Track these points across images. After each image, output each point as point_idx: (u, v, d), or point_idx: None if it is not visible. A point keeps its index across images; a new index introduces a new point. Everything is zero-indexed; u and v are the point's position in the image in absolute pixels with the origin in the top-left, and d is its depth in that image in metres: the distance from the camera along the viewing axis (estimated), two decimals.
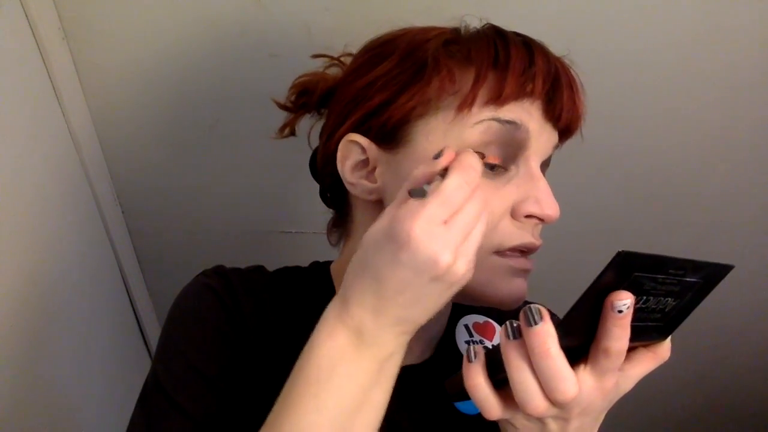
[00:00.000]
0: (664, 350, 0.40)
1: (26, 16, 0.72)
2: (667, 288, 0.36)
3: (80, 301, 0.86)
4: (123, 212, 0.95)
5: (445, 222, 0.37)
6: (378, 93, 0.48)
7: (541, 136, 0.47)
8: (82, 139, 0.83)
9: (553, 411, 0.37)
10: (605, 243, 1.01)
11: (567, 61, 0.50)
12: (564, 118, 0.48)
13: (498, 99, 0.45)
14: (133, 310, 1.01)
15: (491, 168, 0.46)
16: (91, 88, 0.81)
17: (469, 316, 0.58)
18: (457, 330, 0.57)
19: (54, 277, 0.80)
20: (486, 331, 0.59)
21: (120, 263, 0.96)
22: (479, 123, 0.45)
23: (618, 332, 0.35)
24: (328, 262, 0.60)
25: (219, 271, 0.55)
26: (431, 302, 0.39)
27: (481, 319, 0.59)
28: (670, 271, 0.35)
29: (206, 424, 0.46)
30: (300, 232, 0.98)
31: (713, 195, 0.96)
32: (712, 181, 0.94)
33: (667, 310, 0.38)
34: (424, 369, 0.55)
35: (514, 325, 0.37)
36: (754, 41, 0.78)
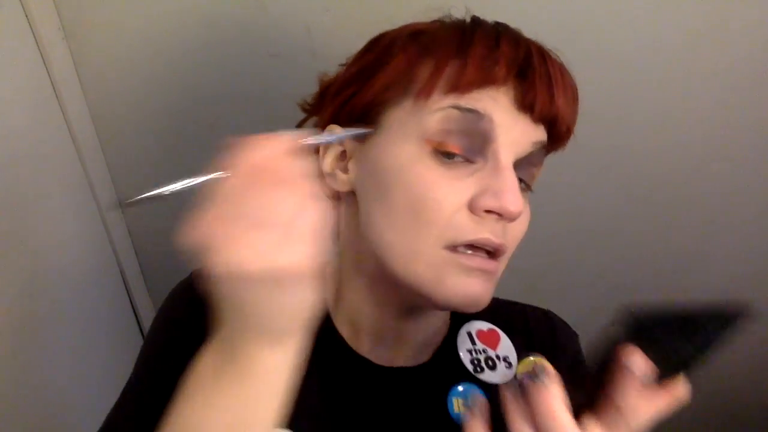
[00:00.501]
0: (680, 390, 0.38)
1: (26, 16, 0.72)
2: (687, 338, 0.35)
3: (80, 301, 0.86)
4: (123, 212, 0.95)
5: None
6: (354, 83, 0.48)
7: (513, 128, 0.45)
8: (82, 139, 0.83)
9: None
10: (605, 243, 1.01)
11: (544, 48, 0.47)
12: (538, 108, 0.45)
13: (459, 86, 0.43)
14: (133, 310, 1.01)
15: (450, 157, 0.44)
16: (91, 88, 0.81)
17: (472, 322, 0.57)
18: (459, 337, 0.56)
19: (54, 277, 0.80)
20: (490, 340, 0.57)
21: (120, 263, 0.96)
22: (439, 110, 0.44)
23: (631, 391, 0.34)
24: None
25: (198, 275, 0.55)
26: (274, 306, 0.33)
27: (485, 326, 0.57)
28: (689, 326, 0.35)
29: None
30: None
31: (713, 195, 0.96)
32: (712, 181, 0.94)
33: (685, 357, 0.37)
34: (419, 372, 0.54)
35: (519, 382, 0.36)
36: (755, 40, 0.78)
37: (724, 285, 1.03)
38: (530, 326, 0.59)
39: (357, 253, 0.51)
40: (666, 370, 0.37)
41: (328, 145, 0.50)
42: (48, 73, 0.76)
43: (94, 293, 0.90)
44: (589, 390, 0.36)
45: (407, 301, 0.50)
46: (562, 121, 0.47)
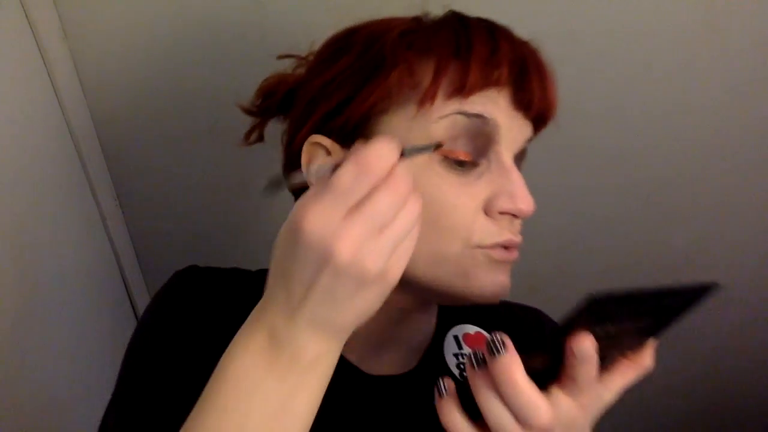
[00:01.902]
0: (645, 360, 0.39)
1: (26, 16, 0.72)
2: (644, 310, 0.36)
3: (80, 301, 0.86)
4: (123, 212, 0.95)
5: (345, 216, 0.33)
6: (337, 91, 0.46)
7: (511, 128, 0.45)
8: (82, 139, 0.83)
9: None
10: (604, 243, 1.01)
11: (534, 45, 0.47)
12: (535, 107, 0.46)
13: (462, 90, 0.42)
14: (133, 310, 1.01)
15: (460, 164, 0.44)
16: (91, 88, 0.81)
17: (459, 326, 0.56)
18: (445, 341, 0.55)
19: (53, 277, 0.80)
20: (477, 343, 0.56)
21: (120, 263, 0.96)
22: (444, 117, 0.43)
23: (583, 370, 0.35)
24: None
25: (189, 274, 0.54)
26: (350, 302, 0.34)
27: (471, 329, 0.56)
28: (647, 300, 0.35)
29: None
30: None
31: (713, 194, 0.96)
32: (711, 181, 0.94)
33: (644, 326, 0.38)
34: (406, 380, 0.53)
35: (479, 355, 0.36)
36: (755, 40, 0.78)
37: (724, 284, 1.03)
38: (518, 325, 0.59)
39: None
40: (622, 342, 0.38)
41: (311, 156, 0.47)
42: (48, 73, 0.76)
43: (94, 293, 0.90)
44: (553, 362, 0.36)
45: (406, 303, 0.49)
46: (550, 115, 0.48)
